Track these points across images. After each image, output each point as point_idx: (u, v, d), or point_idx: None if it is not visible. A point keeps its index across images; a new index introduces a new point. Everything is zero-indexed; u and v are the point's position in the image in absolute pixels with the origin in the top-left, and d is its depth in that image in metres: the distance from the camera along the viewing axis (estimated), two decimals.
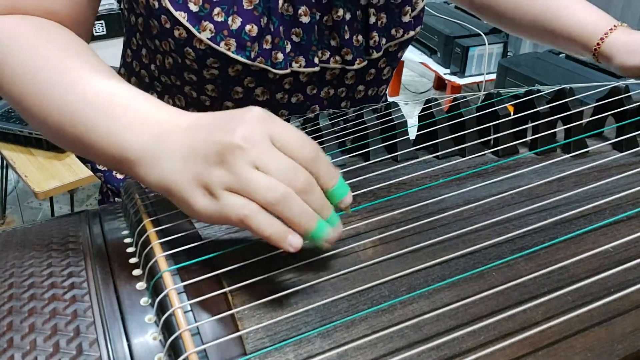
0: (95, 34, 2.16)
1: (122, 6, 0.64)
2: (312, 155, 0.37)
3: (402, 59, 2.93)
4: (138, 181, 0.40)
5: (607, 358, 0.35)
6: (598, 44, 0.68)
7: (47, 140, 1.54)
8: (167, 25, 0.54)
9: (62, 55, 0.45)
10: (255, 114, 0.36)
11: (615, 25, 0.68)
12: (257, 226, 0.35)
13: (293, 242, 0.35)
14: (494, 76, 2.44)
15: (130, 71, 0.66)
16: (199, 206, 0.36)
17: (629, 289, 0.37)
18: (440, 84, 3.13)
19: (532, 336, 0.34)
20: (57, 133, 0.44)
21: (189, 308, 0.35)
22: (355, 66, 0.60)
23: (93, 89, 0.42)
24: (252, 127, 0.35)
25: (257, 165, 0.35)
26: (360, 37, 0.60)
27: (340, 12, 0.57)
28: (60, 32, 0.49)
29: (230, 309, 0.35)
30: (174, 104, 0.63)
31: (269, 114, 0.37)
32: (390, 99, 0.67)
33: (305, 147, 0.36)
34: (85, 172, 1.52)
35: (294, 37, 0.57)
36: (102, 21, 2.16)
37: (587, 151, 0.54)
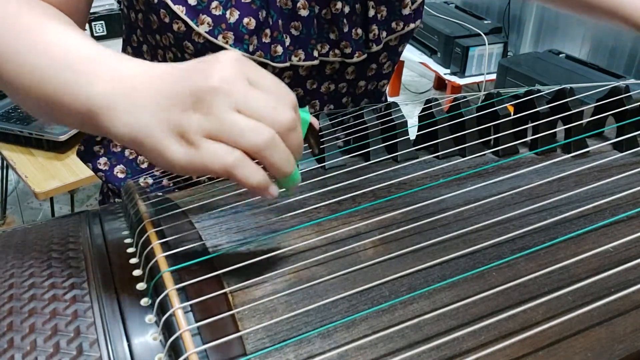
0: (95, 34, 2.16)
1: (121, 5, 0.64)
2: (293, 100, 0.36)
3: (402, 60, 2.94)
4: (107, 136, 0.37)
5: (607, 358, 0.35)
6: None
7: (47, 140, 1.54)
8: (166, 20, 0.54)
9: (39, 22, 0.44)
10: (230, 56, 0.35)
11: None
12: (244, 176, 0.33)
13: (273, 191, 0.35)
14: (494, 76, 2.44)
15: None
16: (174, 155, 0.34)
17: (630, 289, 0.37)
18: (440, 84, 3.13)
19: (532, 336, 0.34)
20: (29, 98, 0.42)
21: (190, 308, 0.35)
22: (355, 59, 0.60)
23: (63, 49, 0.40)
24: (230, 68, 0.34)
25: (238, 107, 0.33)
26: (359, 31, 0.60)
27: (339, 5, 0.57)
28: (45, 6, 0.48)
29: (231, 310, 0.35)
30: None
31: (244, 57, 0.35)
32: (390, 99, 0.67)
33: (286, 93, 0.36)
34: (85, 172, 1.52)
35: (293, 31, 0.57)
36: (102, 21, 2.16)
37: (588, 151, 0.54)
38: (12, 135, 1.58)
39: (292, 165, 0.35)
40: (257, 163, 0.34)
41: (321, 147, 0.54)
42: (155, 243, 0.39)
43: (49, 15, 0.46)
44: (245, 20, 0.54)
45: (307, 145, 0.40)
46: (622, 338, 0.36)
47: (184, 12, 0.53)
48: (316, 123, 0.39)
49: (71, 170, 1.54)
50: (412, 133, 0.56)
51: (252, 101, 0.33)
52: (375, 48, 0.61)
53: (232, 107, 0.33)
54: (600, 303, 0.36)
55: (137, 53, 0.64)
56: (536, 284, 0.38)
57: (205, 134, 0.33)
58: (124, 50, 0.67)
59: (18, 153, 1.59)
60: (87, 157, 0.71)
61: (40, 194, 1.47)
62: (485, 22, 2.74)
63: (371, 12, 0.59)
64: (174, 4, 0.53)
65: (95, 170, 0.70)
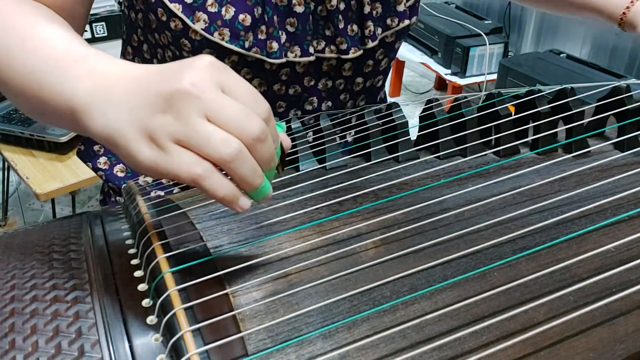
0: (96, 35, 2.16)
1: (122, 6, 0.64)
2: (266, 110, 0.35)
3: (403, 60, 2.94)
4: (86, 134, 0.38)
5: (609, 358, 0.34)
6: (624, 12, 0.68)
7: (48, 141, 1.55)
8: (164, 18, 0.54)
9: (30, 21, 0.45)
10: (205, 61, 0.34)
11: None
12: (211, 187, 0.33)
13: (243, 204, 0.35)
14: (495, 76, 2.44)
15: None
16: (142, 156, 0.34)
17: (631, 289, 0.37)
18: (441, 84, 3.13)
19: (534, 336, 0.34)
20: (19, 96, 0.43)
21: (191, 309, 0.35)
22: (351, 55, 0.60)
23: (50, 48, 0.41)
24: (202, 73, 0.34)
25: (207, 114, 0.33)
26: (355, 27, 0.60)
27: (334, 1, 0.57)
28: (40, 8, 0.48)
29: (232, 310, 0.35)
30: None
31: (220, 63, 0.35)
32: (391, 100, 0.67)
33: (259, 102, 0.35)
34: (86, 173, 1.52)
35: (288, 27, 0.57)
36: (103, 22, 2.17)
37: (589, 151, 0.54)
38: (13, 136, 1.58)
39: (260, 178, 0.35)
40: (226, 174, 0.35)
41: (322, 147, 0.54)
42: (157, 244, 0.39)
43: (41, 15, 0.46)
44: (241, 16, 0.54)
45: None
46: (624, 338, 0.35)
47: (180, 9, 0.53)
48: (288, 143, 0.39)
49: (72, 171, 1.54)
50: (413, 133, 0.56)
51: (222, 109, 0.33)
52: (370, 44, 0.61)
53: (201, 113, 0.33)
54: (601, 303, 0.36)
55: (137, 53, 0.64)
56: (538, 284, 0.38)
57: (173, 138, 0.33)
58: (124, 50, 0.68)
59: (19, 154, 1.59)
60: (87, 156, 0.71)
61: (42, 195, 1.47)
62: (486, 22, 2.74)
63: (366, 9, 0.59)
64: (170, 2, 0.53)
65: (95, 169, 0.70)
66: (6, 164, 1.86)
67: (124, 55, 0.68)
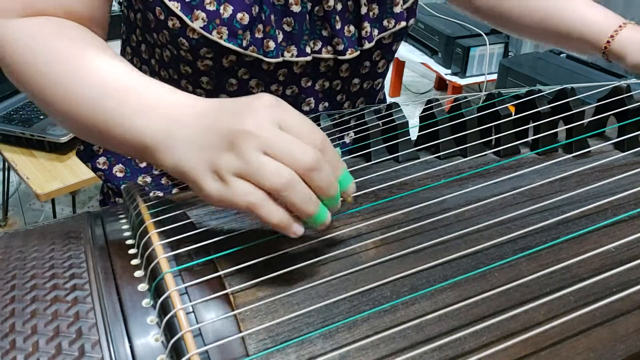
0: None
1: (122, 5, 0.64)
2: (321, 140, 0.37)
3: (403, 60, 2.94)
4: (154, 165, 0.42)
5: (609, 358, 0.34)
6: (608, 42, 0.68)
7: (48, 142, 1.54)
8: (162, 17, 0.55)
9: (80, 49, 0.47)
10: (264, 101, 0.38)
11: (624, 23, 0.68)
12: (264, 214, 0.36)
13: (297, 230, 0.37)
14: (495, 76, 2.44)
15: None
16: (209, 190, 0.37)
17: (632, 289, 0.37)
18: (441, 84, 3.13)
19: (534, 336, 0.34)
20: (79, 126, 0.46)
21: (191, 309, 0.35)
22: (347, 56, 0.60)
23: (109, 79, 0.44)
24: (262, 113, 0.37)
25: (265, 149, 0.36)
26: (352, 28, 0.60)
27: (331, 2, 0.57)
28: (78, 29, 0.51)
29: (233, 310, 0.35)
30: None
31: (278, 100, 0.38)
32: (391, 100, 0.67)
33: (313, 133, 0.37)
34: (86, 173, 1.52)
35: (285, 27, 0.57)
36: None
37: (589, 151, 0.54)
38: (13, 137, 1.58)
39: (313, 206, 0.36)
40: None
41: None
42: (157, 244, 0.39)
43: (86, 40, 0.49)
44: (239, 15, 0.54)
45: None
46: (624, 338, 0.35)
47: (179, 8, 0.53)
48: (352, 187, 0.41)
49: (72, 171, 1.54)
50: (413, 133, 0.56)
51: (278, 143, 0.36)
52: (367, 45, 0.61)
53: (260, 149, 0.36)
54: (602, 303, 0.36)
55: (135, 52, 0.64)
56: (538, 284, 0.38)
57: (234, 172, 0.36)
58: (123, 50, 0.68)
59: (20, 155, 1.59)
60: (87, 156, 0.71)
61: (42, 196, 1.47)
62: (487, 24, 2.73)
63: (363, 10, 0.59)
64: (169, 0, 0.53)
65: (95, 169, 0.70)
66: (6, 164, 1.86)
67: (123, 55, 0.68)
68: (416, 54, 2.84)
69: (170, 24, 0.54)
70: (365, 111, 0.56)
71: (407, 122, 0.55)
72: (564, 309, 0.37)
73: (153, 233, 0.40)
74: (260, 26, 0.56)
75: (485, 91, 0.65)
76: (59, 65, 0.46)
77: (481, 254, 0.41)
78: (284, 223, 0.36)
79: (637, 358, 0.35)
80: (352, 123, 0.59)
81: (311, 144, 0.37)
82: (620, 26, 0.67)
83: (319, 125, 0.56)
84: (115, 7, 2.19)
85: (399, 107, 0.56)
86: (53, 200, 1.95)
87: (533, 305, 0.36)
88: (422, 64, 2.81)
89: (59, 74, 0.46)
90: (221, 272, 0.38)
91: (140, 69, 0.65)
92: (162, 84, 0.44)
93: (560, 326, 0.35)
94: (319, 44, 0.60)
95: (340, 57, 0.60)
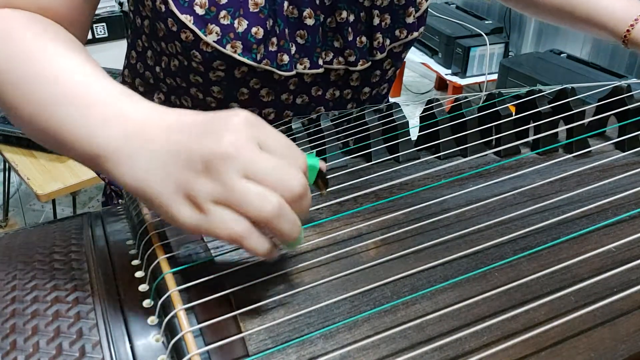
0: (96, 36, 2.16)
1: (128, 8, 0.64)
2: (302, 161, 0.35)
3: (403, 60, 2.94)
4: (110, 179, 0.38)
5: (610, 358, 0.34)
6: (628, 30, 0.67)
7: None
8: (174, 28, 0.54)
9: (46, 49, 0.43)
10: (241, 118, 0.34)
11: None
12: (250, 246, 0.33)
13: (276, 255, 0.35)
14: (495, 76, 2.44)
15: (134, 73, 0.66)
16: (184, 218, 0.33)
17: (632, 289, 0.37)
18: (441, 84, 3.13)
19: (535, 336, 0.34)
20: (33, 128, 0.41)
21: (192, 310, 0.35)
22: (359, 67, 0.60)
23: (70, 82, 0.40)
24: (239, 132, 0.33)
25: (246, 173, 0.32)
26: (364, 39, 0.60)
27: (344, 14, 0.57)
28: (50, 27, 0.47)
29: (233, 311, 0.35)
30: (180, 105, 0.63)
31: (255, 117, 0.35)
32: (391, 100, 0.67)
33: (295, 153, 0.35)
34: (87, 174, 1.52)
35: (298, 39, 0.57)
36: (104, 23, 2.17)
37: (589, 151, 0.54)
38: (14, 137, 1.58)
39: (298, 231, 0.34)
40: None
41: (323, 147, 0.54)
42: (157, 245, 0.39)
43: (54, 36, 0.45)
44: (254, 29, 0.53)
45: (316, 187, 0.39)
46: (625, 338, 0.35)
47: (192, 21, 0.52)
48: (323, 165, 0.39)
49: (73, 172, 1.54)
50: (414, 133, 0.56)
51: (261, 167, 0.33)
52: (379, 56, 0.61)
53: (240, 173, 0.32)
54: (603, 303, 0.36)
55: (141, 58, 0.64)
56: (539, 284, 0.38)
57: (213, 199, 0.33)
58: (129, 54, 0.67)
59: (20, 155, 1.59)
60: None
61: (43, 196, 1.47)
62: (487, 22, 2.74)
63: (376, 21, 0.59)
64: (181, 14, 0.52)
65: (98, 171, 0.70)
66: (7, 164, 1.86)
67: (128, 59, 0.68)
68: (416, 54, 2.84)
69: (183, 36, 0.53)
70: (366, 111, 0.56)
71: (407, 122, 0.55)
72: (564, 309, 0.37)
73: (154, 234, 0.40)
74: (274, 39, 0.55)
75: (485, 91, 0.65)
76: (23, 66, 0.42)
77: (482, 254, 0.41)
78: (270, 252, 0.34)
79: (638, 358, 0.35)
80: (353, 123, 0.59)
81: (294, 165, 0.34)
82: None
83: (318, 125, 0.56)
84: (116, 7, 2.20)
85: (399, 107, 0.56)
86: (54, 201, 1.95)
87: (534, 305, 0.36)
88: (423, 64, 2.81)
89: (22, 75, 0.41)
90: (222, 272, 0.38)
91: (143, 74, 0.65)
92: (126, 91, 0.40)
93: (561, 326, 0.35)
94: (331, 55, 0.60)
95: (351, 68, 0.60)
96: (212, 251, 0.40)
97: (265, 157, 0.33)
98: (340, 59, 0.60)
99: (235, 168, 0.32)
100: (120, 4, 2.25)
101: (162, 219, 0.35)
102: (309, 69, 0.59)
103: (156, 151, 0.34)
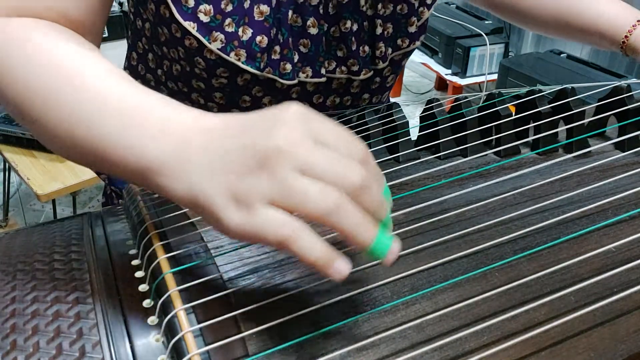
0: None
1: (128, 9, 0.63)
2: (363, 152, 0.32)
3: None
4: (162, 195, 0.35)
5: (610, 358, 0.34)
6: (626, 36, 0.67)
7: None
8: (178, 35, 0.53)
9: (73, 60, 0.41)
10: (293, 111, 0.32)
11: None
12: (299, 250, 0.30)
13: (341, 268, 0.31)
14: (495, 76, 2.44)
15: (135, 74, 0.66)
16: (229, 221, 0.31)
17: (632, 289, 0.37)
18: (441, 84, 3.13)
19: (535, 336, 0.34)
20: (68, 145, 0.39)
21: (192, 310, 0.35)
22: (362, 77, 0.60)
23: (105, 94, 0.38)
24: (294, 127, 0.31)
25: (303, 169, 0.30)
26: (366, 48, 0.60)
27: (348, 23, 0.57)
28: (70, 36, 0.45)
29: (233, 311, 0.35)
30: None
31: (306, 109, 0.32)
32: (391, 100, 0.67)
33: (353, 144, 0.32)
34: (87, 174, 1.52)
35: (301, 48, 0.57)
36: None
37: (589, 151, 0.54)
38: (14, 137, 1.58)
39: (372, 230, 0.31)
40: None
41: None
42: (158, 245, 0.39)
43: (80, 48, 0.43)
44: (258, 38, 0.53)
45: None
46: (625, 338, 0.35)
47: (195, 28, 0.52)
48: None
49: (73, 172, 1.54)
50: (414, 133, 0.56)
51: (318, 162, 0.30)
52: (381, 65, 0.61)
53: (296, 170, 0.30)
54: (602, 303, 0.36)
55: (142, 60, 0.64)
56: (539, 284, 0.38)
57: (266, 198, 0.30)
58: (129, 55, 0.67)
59: (20, 155, 1.59)
60: None
61: (43, 196, 1.48)
62: (486, 22, 2.74)
63: (378, 30, 0.59)
64: (185, 20, 0.51)
65: (98, 172, 0.70)
66: (7, 164, 1.86)
67: (129, 59, 0.67)
68: (416, 54, 2.84)
69: (187, 42, 0.53)
70: (366, 111, 0.56)
71: (407, 122, 0.55)
72: (564, 309, 0.37)
73: (154, 234, 0.40)
74: (277, 48, 0.55)
75: (485, 91, 0.65)
76: (51, 80, 0.39)
77: (481, 254, 0.41)
78: (324, 260, 0.30)
79: (638, 358, 0.35)
80: (353, 123, 0.59)
81: (353, 157, 0.31)
82: (638, 20, 0.67)
83: None
84: (115, 7, 2.19)
85: (399, 107, 0.56)
86: (54, 201, 1.95)
87: (534, 305, 0.36)
88: (423, 64, 2.81)
89: (52, 89, 0.39)
90: (222, 273, 0.38)
91: (144, 76, 0.64)
92: (165, 98, 0.37)
93: (560, 326, 0.35)
94: (334, 64, 0.60)
95: (354, 78, 0.60)
96: (212, 251, 0.40)
97: (321, 152, 0.31)
98: (343, 68, 0.60)
99: (291, 165, 0.30)
100: (121, 4, 2.25)
101: (215, 229, 0.33)
102: (312, 77, 0.59)
103: (204, 157, 0.33)
